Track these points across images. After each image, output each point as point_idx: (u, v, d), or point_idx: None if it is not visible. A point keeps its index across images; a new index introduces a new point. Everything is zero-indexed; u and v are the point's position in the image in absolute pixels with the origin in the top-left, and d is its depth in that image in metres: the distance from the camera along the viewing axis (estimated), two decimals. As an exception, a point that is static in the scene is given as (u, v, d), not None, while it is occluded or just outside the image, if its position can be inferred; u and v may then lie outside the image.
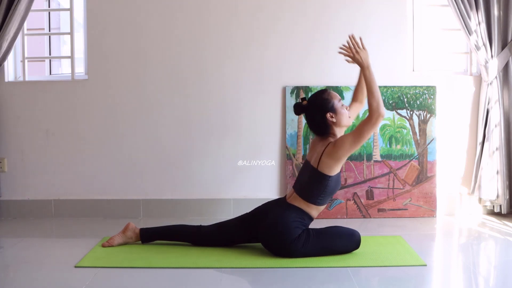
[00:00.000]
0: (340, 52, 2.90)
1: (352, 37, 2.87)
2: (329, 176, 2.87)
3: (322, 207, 2.97)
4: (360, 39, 2.88)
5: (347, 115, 2.95)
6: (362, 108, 3.22)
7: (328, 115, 2.89)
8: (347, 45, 2.88)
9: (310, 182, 2.90)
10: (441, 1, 3.96)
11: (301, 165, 3.92)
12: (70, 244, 3.29)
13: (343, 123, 2.93)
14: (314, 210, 2.93)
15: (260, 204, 3.12)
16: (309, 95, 3.91)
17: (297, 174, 3.91)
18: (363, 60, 2.86)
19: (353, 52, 2.86)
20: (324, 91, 2.96)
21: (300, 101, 2.98)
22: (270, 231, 2.89)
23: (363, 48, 2.88)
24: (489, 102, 3.84)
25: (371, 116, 2.77)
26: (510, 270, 2.84)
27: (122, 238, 3.14)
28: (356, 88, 3.19)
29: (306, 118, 3.00)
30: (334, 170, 2.87)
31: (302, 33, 3.95)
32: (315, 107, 2.92)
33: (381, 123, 2.83)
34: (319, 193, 2.89)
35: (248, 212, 3.12)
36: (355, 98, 3.19)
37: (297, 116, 3.93)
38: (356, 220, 3.85)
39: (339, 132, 2.95)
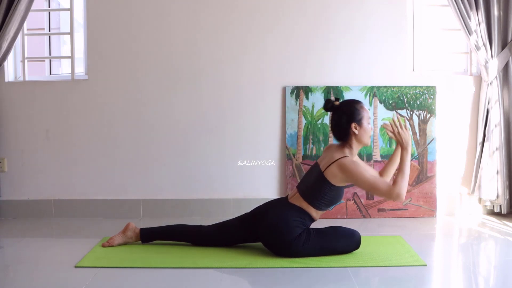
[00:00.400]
0: (383, 126, 2.89)
1: (397, 119, 2.88)
2: (332, 185, 2.87)
3: (321, 212, 2.98)
4: (403, 121, 2.87)
5: (369, 135, 2.93)
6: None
7: (353, 125, 2.88)
8: (391, 122, 2.87)
9: (314, 184, 2.91)
10: (441, 1, 3.96)
11: (301, 165, 3.92)
12: (70, 244, 3.29)
13: (363, 140, 2.92)
14: (314, 213, 2.94)
15: (260, 204, 3.12)
16: (309, 94, 3.92)
17: (297, 174, 3.92)
18: (403, 141, 2.86)
19: (396, 132, 2.86)
20: (358, 102, 2.94)
21: (333, 99, 2.97)
22: (270, 229, 2.89)
23: (406, 130, 2.87)
24: (489, 102, 3.84)
25: (391, 194, 2.75)
26: (510, 270, 2.84)
27: (122, 238, 3.14)
28: (387, 164, 3.14)
29: (332, 118, 2.97)
30: (338, 183, 2.88)
31: (302, 33, 3.95)
32: (344, 112, 2.90)
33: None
34: (319, 198, 2.89)
35: (248, 212, 3.12)
36: (381, 173, 3.13)
37: (297, 116, 3.93)
38: (356, 220, 3.85)
39: (356, 146, 2.93)
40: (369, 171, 2.86)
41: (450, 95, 3.99)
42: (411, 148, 2.87)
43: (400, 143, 2.88)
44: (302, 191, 2.95)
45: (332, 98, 2.97)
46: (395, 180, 2.79)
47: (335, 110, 2.94)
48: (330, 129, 2.98)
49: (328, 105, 2.96)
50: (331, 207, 2.98)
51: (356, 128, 2.88)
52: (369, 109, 3.93)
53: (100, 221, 3.88)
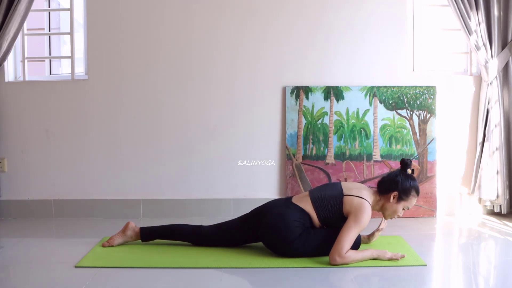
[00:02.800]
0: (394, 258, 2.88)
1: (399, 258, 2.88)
2: (342, 213, 2.88)
3: (320, 224, 2.97)
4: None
5: (394, 215, 2.93)
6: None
7: (394, 193, 2.89)
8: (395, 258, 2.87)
9: (329, 198, 2.91)
10: (441, 1, 3.96)
11: (301, 165, 3.92)
12: (70, 244, 3.29)
13: (387, 212, 2.93)
14: (315, 219, 2.93)
15: (260, 204, 3.12)
16: (309, 94, 3.92)
17: (297, 174, 3.92)
18: (378, 256, 2.86)
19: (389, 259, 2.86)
20: (418, 192, 2.92)
21: (412, 168, 2.96)
22: (271, 229, 2.89)
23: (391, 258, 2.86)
24: (489, 102, 3.84)
25: (335, 260, 2.75)
26: (510, 270, 2.84)
27: (122, 238, 3.14)
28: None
29: (392, 172, 2.98)
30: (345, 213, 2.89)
31: (302, 33, 3.95)
32: (403, 181, 2.89)
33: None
34: (327, 212, 2.90)
35: (248, 212, 3.12)
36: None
37: (297, 116, 3.94)
38: (356, 220, 3.84)
39: (378, 206, 2.94)
40: (356, 234, 2.83)
41: (450, 95, 3.99)
42: (374, 256, 2.86)
43: (378, 258, 2.85)
44: (315, 197, 2.94)
45: (413, 167, 3.01)
46: (347, 257, 2.77)
47: (402, 172, 2.93)
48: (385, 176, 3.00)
49: (405, 165, 2.94)
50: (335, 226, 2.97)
51: (394, 197, 2.89)
52: (368, 109, 3.93)
53: (100, 221, 3.88)
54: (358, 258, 2.81)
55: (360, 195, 2.88)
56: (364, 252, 2.84)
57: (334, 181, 3.03)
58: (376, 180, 3.89)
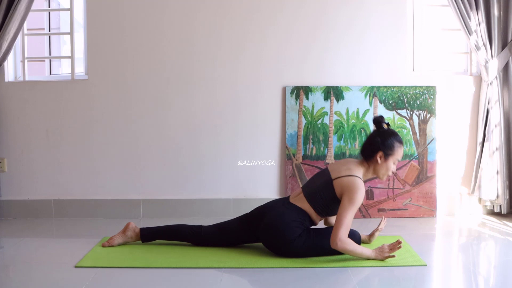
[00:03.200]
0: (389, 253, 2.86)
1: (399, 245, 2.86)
2: (336, 196, 2.87)
3: (322, 218, 2.98)
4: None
5: (388, 173, 2.92)
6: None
7: (380, 153, 2.88)
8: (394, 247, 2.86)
9: (321, 189, 2.90)
10: (441, 1, 3.96)
11: (301, 165, 3.92)
12: (70, 244, 3.29)
13: (380, 172, 2.92)
14: (314, 216, 2.93)
15: (260, 205, 3.12)
16: (309, 94, 3.92)
17: (297, 174, 3.92)
18: (376, 257, 2.84)
19: (388, 254, 2.84)
20: (401, 142, 2.92)
21: (386, 122, 2.96)
22: (270, 229, 2.89)
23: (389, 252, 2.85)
24: (489, 102, 3.84)
25: (337, 243, 2.75)
26: (510, 270, 2.84)
27: (122, 238, 3.14)
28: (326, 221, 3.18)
29: (370, 134, 2.98)
30: (339, 196, 2.88)
31: (302, 33, 3.95)
32: (382, 139, 2.89)
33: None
34: (322, 204, 2.90)
35: (248, 212, 3.12)
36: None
37: (297, 116, 3.94)
38: (356, 220, 3.84)
39: (370, 172, 2.93)
40: (353, 213, 2.81)
41: (450, 95, 3.99)
42: (371, 257, 2.84)
43: (376, 258, 2.84)
44: (307, 193, 2.95)
45: (386, 122, 2.98)
46: (346, 242, 2.77)
47: (377, 131, 2.94)
48: (363, 142, 2.98)
49: (378, 122, 2.95)
50: (334, 215, 2.97)
51: (380, 157, 2.88)
52: (368, 109, 3.93)
53: (100, 221, 3.88)
54: (358, 251, 2.80)
55: (349, 173, 2.85)
56: (364, 249, 2.83)
57: (323, 168, 3.02)
58: (376, 180, 3.91)
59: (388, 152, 2.88)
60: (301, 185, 3.91)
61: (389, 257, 2.83)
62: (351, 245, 2.78)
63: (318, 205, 2.90)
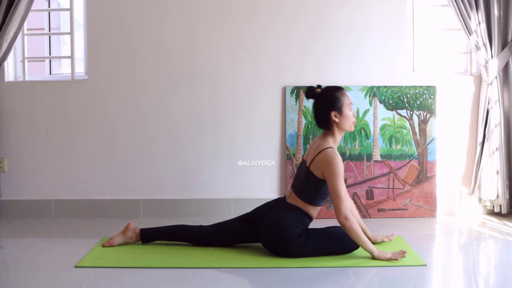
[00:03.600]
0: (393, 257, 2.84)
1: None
2: (319, 179, 2.86)
3: (319, 207, 2.97)
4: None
5: (352, 121, 2.91)
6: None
7: (332, 113, 2.87)
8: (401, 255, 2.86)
9: (304, 181, 2.90)
10: (441, 1, 3.96)
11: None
12: (70, 244, 3.29)
13: (345, 127, 2.90)
14: (312, 210, 2.93)
15: (260, 205, 3.12)
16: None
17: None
18: (378, 256, 2.82)
19: (388, 259, 2.83)
20: (340, 89, 2.93)
21: (316, 86, 2.96)
22: (270, 231, 2.89)
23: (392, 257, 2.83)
24: (489, 102, 3.84)
25: (342, 215, 2.74)
26: (510, 270, 2.84)
27: (122, 238, 3.14)
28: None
29: (313, 106, 2.97)
30: (322, 176, 2.86)
31: (302, 33, 3.95)
32: (324, 100, 2.90)
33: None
34: (313, 194, 2.89)
35: (247, 212, 3.12)
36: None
37: (297, 116, 3.93)
38: (356, 220, 3.84)
39: (339, 134, 2.93)
40: (341, 182, 2.80)
41: (450, 95, 3.99)
42: (371, 251, 2.83)
43: (378, 257, 2.82)
44: (297, 190, 2.95)
45: (315, 85, 2.97)
46: (354, 221, 2.76)
47: (317, 98, 2.93)
48: (313, 118, 2.98)
49: (309, 93, 2.94)
50: (325, 199, 2.95)
51: (336, 116, 2.87)
52: (368, 109, 3.93)
53: (100, 221, 3.88)
54: (363, 238, 2.77)
55: (319, 150, 2.85)
56: (367, 241, 2.81)
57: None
58: (376, 181, 3.91)
59: (337, 106, 2.87)
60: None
61: (391, 259, 2.82)
62: (358, 228, 2.76)
63: (311, 197, 2.89)
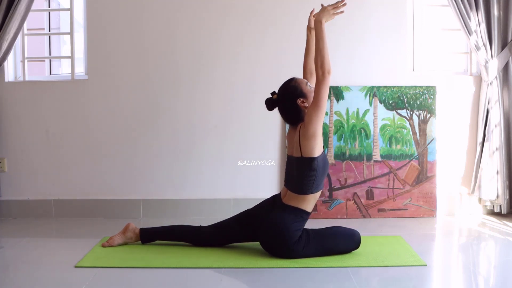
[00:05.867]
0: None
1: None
2: (315, 158, 2.83)
3: (318, 194, 2.92)
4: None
5: (310, 95, 2.91)
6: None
7: (299, 101, 2.88)
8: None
9: (299, 173, 2.87)
10: (441, 1, 3.96)
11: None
12: (70, 244, 3.29)
13: (310, 101, 2.90)
14: (311, 202, 2.89)
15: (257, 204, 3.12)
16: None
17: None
18: (326, 19, 2.86)
19: (333, 11, 2.87)
20: (291, 79, 2.95)
21: (271, 96, 2.97)
22: (270, 235, 2.87)
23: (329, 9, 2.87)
24: (489, 102, 3.84)
25: (317, 75, 2.76)
26: (510, 270, 2.84)
27: (122, 238, 3.13)
28: (306, 56, 3.14)
29: (280, 110, 2.97)
30: (317, 149, 2.83)
31: (302, 33, 3.94)
32: (284, 97, 2.91)
33: (329, 81, 2.77)
34: (312, 179, 2.85)
35: (244, 211, 3.10)
36: (307, 69, 3.14)
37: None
38: (356, 220, 3.84)
39: (313, 115, 2.88)
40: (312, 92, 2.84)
41: (450, 95, 3.99)
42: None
43: (319, 20, 2.83)
44: (291, 186, 2.92)
45: (270, 95, 2.98)
46: (315, 62, 2.77)
47: (278, 102, 2.94)
48: (284, 120, 3.00)
49: (270, 104, 2.95)
50: (324, 177, 2.93)
51: (303, 102, 2.88)
52: (368, 109, 3.93)
53: (100, 221, 3.88)
54: (324, 39, 2.79)
55: (299, 136, 2.84)
56: (320, 31, 2.81)
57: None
58: (376, 181, 3.91)
59: (298, 92, 2.88)
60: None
61: (337, 14, 2.87)
62: (324, 51, 2.77)
63: (309, 186, 2.86)
